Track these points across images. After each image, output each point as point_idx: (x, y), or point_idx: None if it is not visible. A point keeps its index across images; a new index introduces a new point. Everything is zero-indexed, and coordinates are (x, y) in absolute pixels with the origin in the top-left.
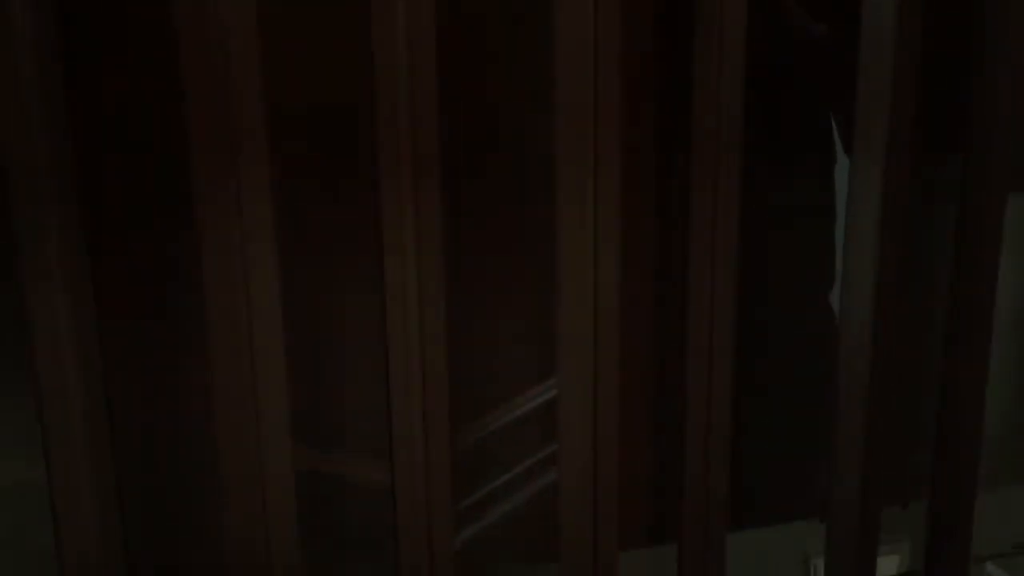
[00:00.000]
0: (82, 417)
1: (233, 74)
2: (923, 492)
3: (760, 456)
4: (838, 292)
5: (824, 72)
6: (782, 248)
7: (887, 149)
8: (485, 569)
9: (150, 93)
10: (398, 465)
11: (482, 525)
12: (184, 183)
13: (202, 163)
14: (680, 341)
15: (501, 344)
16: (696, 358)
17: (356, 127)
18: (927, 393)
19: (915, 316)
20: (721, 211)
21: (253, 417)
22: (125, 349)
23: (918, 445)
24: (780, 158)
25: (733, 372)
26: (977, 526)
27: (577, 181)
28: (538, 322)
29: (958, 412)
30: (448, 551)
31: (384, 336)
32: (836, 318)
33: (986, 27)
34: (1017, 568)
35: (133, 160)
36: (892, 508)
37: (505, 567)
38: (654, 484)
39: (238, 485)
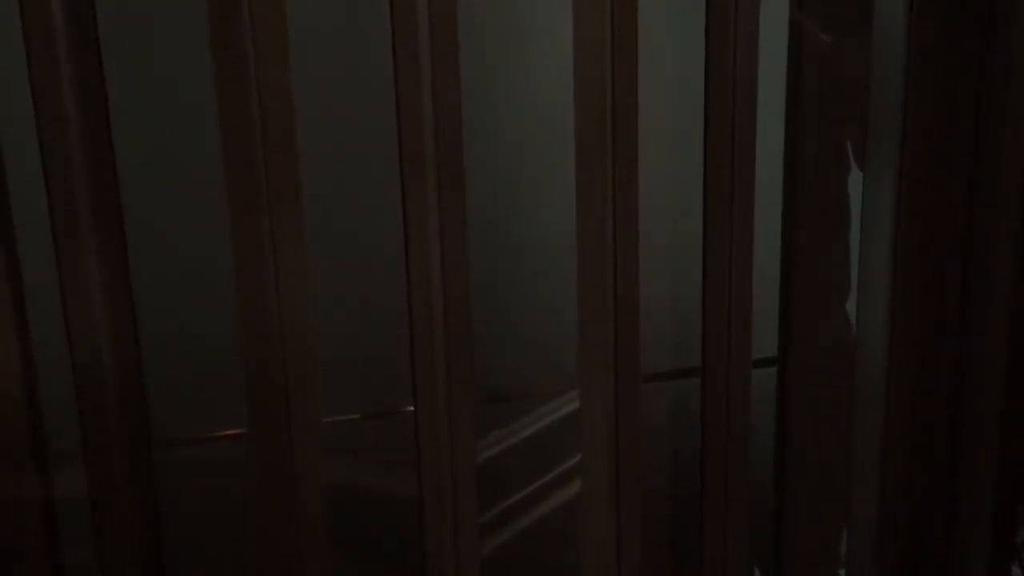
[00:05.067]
0: None
1: None
2: None
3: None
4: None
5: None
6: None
7: (899, 160)
8: None
9: None
10: (425, 476)
11: (505, 537)
12: None
13: None
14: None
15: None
16: (713, 365)
17: None
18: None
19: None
20: (737, 217)
21: (287, 428)
22: None
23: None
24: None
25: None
26: None
27: (596, 182)
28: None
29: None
30: (474, 563)
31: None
32: (853, 328)
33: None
34: None
35: None
36: None
37: None
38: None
39: (269, 494)
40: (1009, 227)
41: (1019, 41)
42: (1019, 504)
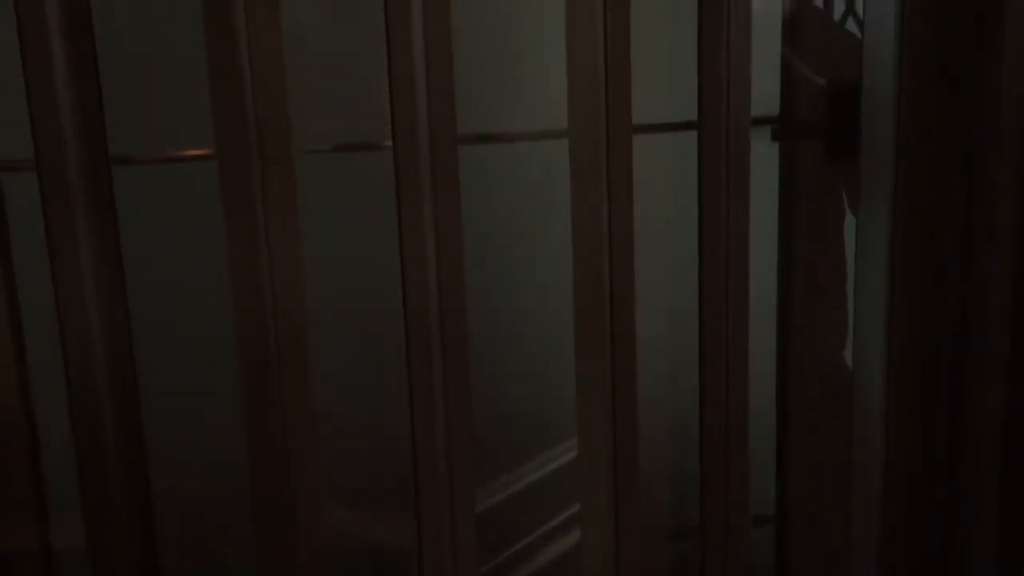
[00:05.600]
0: None
1: None
2: None
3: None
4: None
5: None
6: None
7: (893, 204)
8: None
9: None
10: (424, 527)
11: None
12: None
13: None
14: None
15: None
16: (711, 410)
17: None
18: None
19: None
20: (733, 261)
21: (287, 481)
22: None
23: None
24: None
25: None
26: None
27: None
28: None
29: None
30: None
31: (409, 391)
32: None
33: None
34: None
35: None
36: None
37: None
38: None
39: (271, 545)
40: (1007, 227)
41: (1013, 40)
42: (1021, 505)
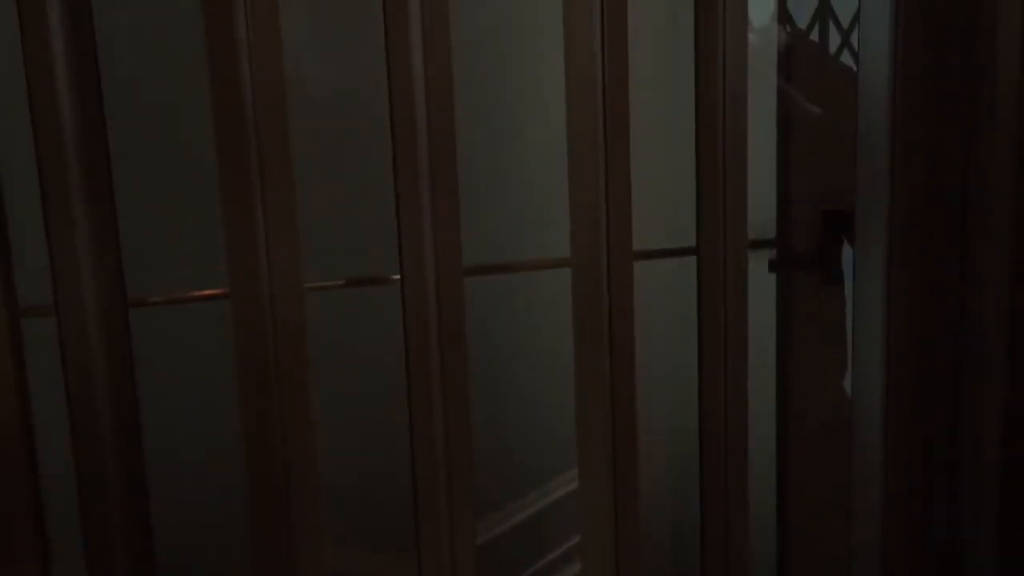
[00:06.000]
0: None
1: None
2: None
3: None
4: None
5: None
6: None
7: (888, 235)
8: None
9: None
10: (425, 559)
11: None
12: None
13: None
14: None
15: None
16: (710, 443)
17: None
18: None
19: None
20: (731, 302)
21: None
22: None
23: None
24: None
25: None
26: None
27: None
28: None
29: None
30: None
31: (410, 424)
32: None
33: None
34: None
35: None
36: None
37: None
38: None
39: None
40: (1004, 229)
41: (1005, 44)
42: (1021, 505)
